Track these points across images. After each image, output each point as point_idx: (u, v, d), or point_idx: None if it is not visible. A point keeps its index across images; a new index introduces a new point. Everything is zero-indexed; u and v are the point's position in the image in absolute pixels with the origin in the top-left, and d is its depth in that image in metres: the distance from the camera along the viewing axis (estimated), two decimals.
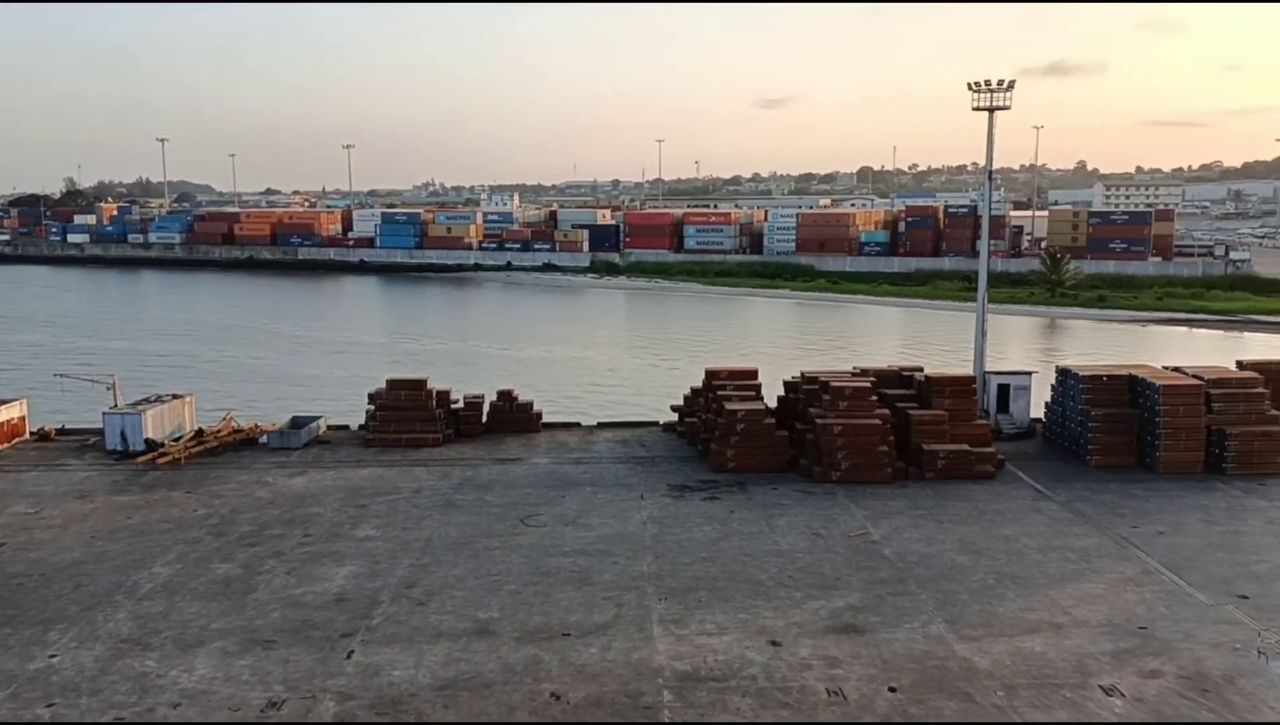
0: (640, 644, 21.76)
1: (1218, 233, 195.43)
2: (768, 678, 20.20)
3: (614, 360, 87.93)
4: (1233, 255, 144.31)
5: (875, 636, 22.05)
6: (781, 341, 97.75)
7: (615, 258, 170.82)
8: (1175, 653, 21.13)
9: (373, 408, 39.86)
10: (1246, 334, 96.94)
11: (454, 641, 21.90)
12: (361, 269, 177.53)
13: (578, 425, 42.57)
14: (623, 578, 25.56)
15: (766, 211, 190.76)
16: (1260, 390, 35.78)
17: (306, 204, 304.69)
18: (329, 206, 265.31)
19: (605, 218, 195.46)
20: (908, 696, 19.43)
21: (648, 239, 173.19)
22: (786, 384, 39.70)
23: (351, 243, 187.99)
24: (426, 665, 20.76)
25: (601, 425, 42.53)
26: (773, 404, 38.51)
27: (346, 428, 41.97)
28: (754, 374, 39.43)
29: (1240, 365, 39.06)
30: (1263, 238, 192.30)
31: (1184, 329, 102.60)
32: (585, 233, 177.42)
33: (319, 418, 41.24)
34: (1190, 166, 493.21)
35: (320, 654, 21.33)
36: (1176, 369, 38.02)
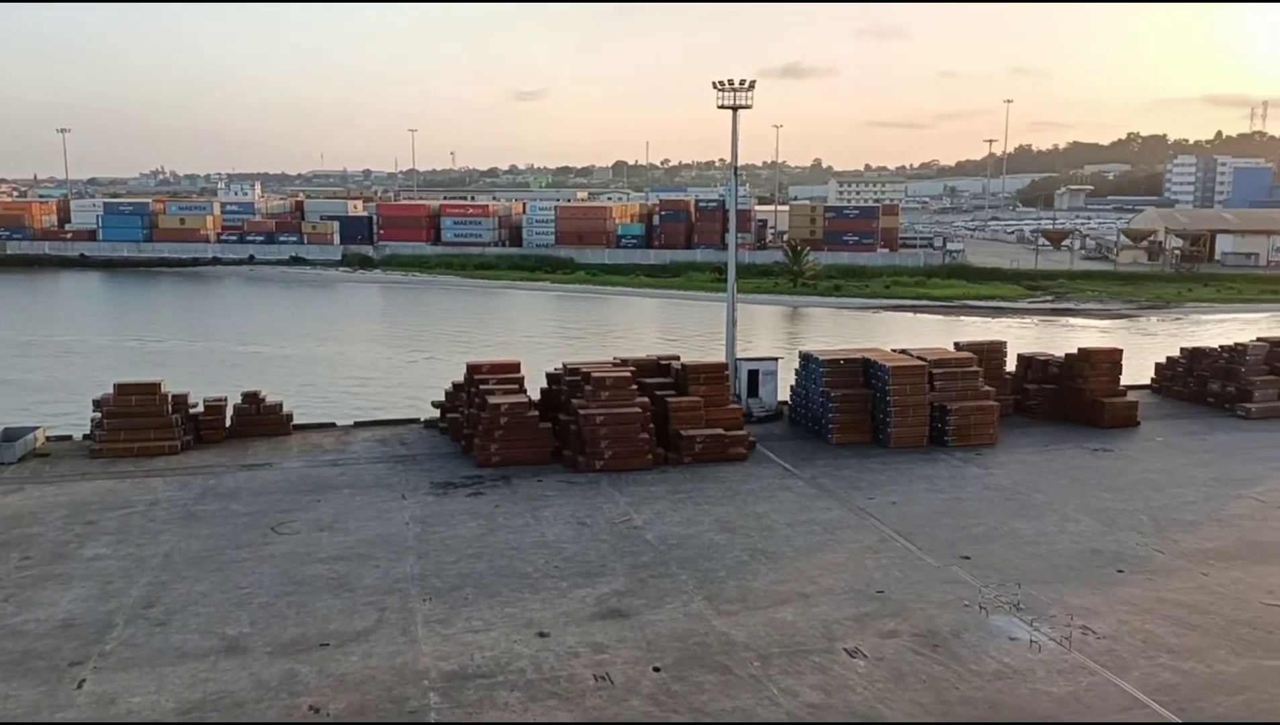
0: (404, 647, 21.19)
1: (936, 226, 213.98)
2: (536, 669, 20.22)
3: (371, 356, 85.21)
4: (949, 246, 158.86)
5: (640, 619, 22.57)
6: (544, 334, 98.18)
7: (369, 251, 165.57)
8: (909, 613, 22.95)
9: (99, 415, 36.47)
10: (962, 318, 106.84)
11: (200, 661, 20.45)
12: (82, 264, 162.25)
13: (333, 426, 40.85)
14: (385, 581, 24.80)
15: (525, 204, 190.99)
16: (974, 369, 39.45)
17: (15, 193, 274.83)
18: (42, 196, 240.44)
19: (357, 209, 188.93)
20: (671, 674, 20.02)
21: (403, 231, 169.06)
22: (549, 376, 39.83)
23: (69, 236, 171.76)
24: (170, 689, 19.27)
25: (359, 424, 41.04)
26: (536, 396, 38.53)
27: (69, 439, 38.23)
28: (516, 367, 39.30)
29: (957, 346, 42.89)
30: (974, 230, 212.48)
31: (909, 314, 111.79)
32: (336, 224, 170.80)
33: (35, 429, 37.30)
34: (912, 165, 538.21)
35: (46, 686, 19.33)
36: (903, 351, 41.22)
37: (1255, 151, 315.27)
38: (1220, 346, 45.76)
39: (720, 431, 36.10)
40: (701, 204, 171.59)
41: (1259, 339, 46.56)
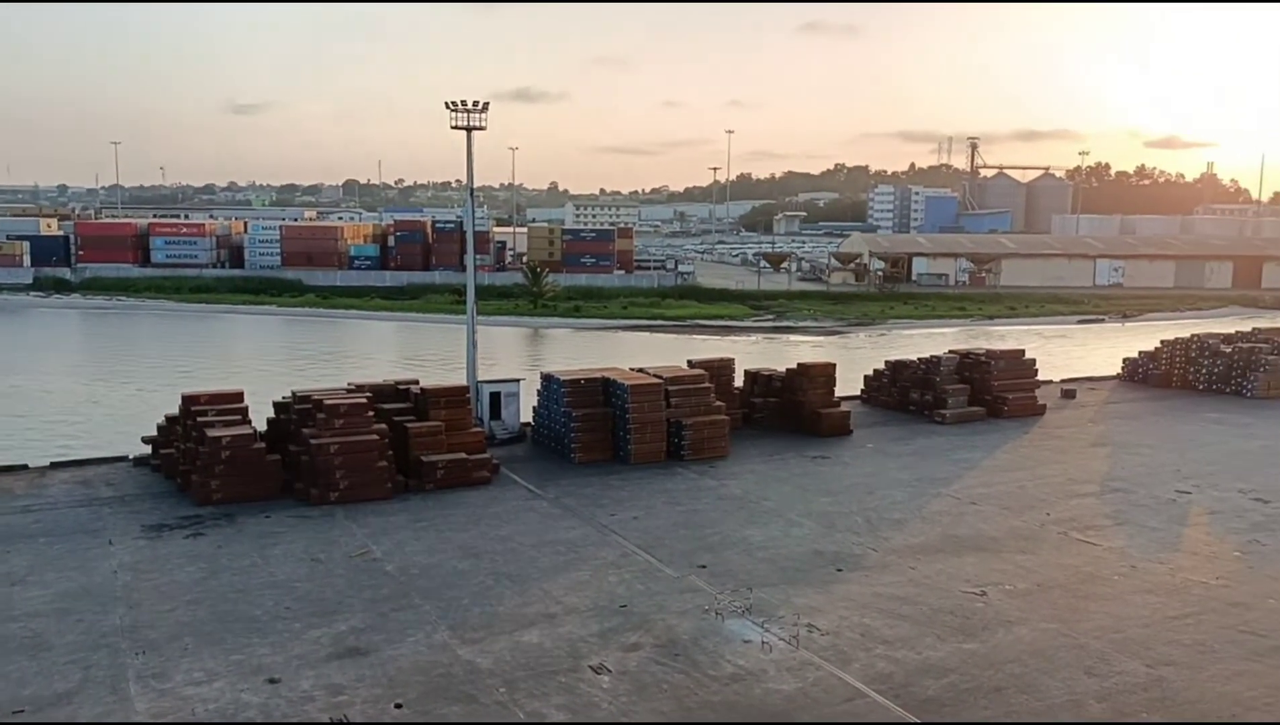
0: (114, 707, 19.24)
1: (668, 249, 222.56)
2: (266, 718, 18.95)
3: (70, 389, 77.32)
4: (681, 268, 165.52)
5: (380, 655, 21.73)
6: (270, 361, 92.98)
7: (66, 273, 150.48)
8: (651, 624, 23.52)
9: None
10: (695, 336, 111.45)
11: None
12: None
13: (24, 468, 36.64)
14: (89, 637, 22.44)
15: (247, 223, 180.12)
16: (706, 385, 41.20)
17: None
18: None
19: (51, 228, 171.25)
20: (414, 709, 19.39)
21: (107, 252, 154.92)
22: (277, 405, 37.70)
23: None
24: None
25: (56, 465, 36.99)
26: (262, 427, 36.34)
27: None
28: (239, 396, 36.90)
29: (690, 364, 44.65)
30: (703, 253, 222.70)
31: (646, 334, 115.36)
32: (26, 245, 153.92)
33: None
34: (644, 190, 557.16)
35: None
36: (641, 370, 42.41)
37: (943, 182, 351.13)
38: (918, 358, 50.37)
39: (463, 455, 35.56)
40: (439, 225, 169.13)
41: (950, 351, 51.72)
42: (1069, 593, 25.98)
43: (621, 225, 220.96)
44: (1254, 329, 62.70)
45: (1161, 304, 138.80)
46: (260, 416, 37.21)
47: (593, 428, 39.12)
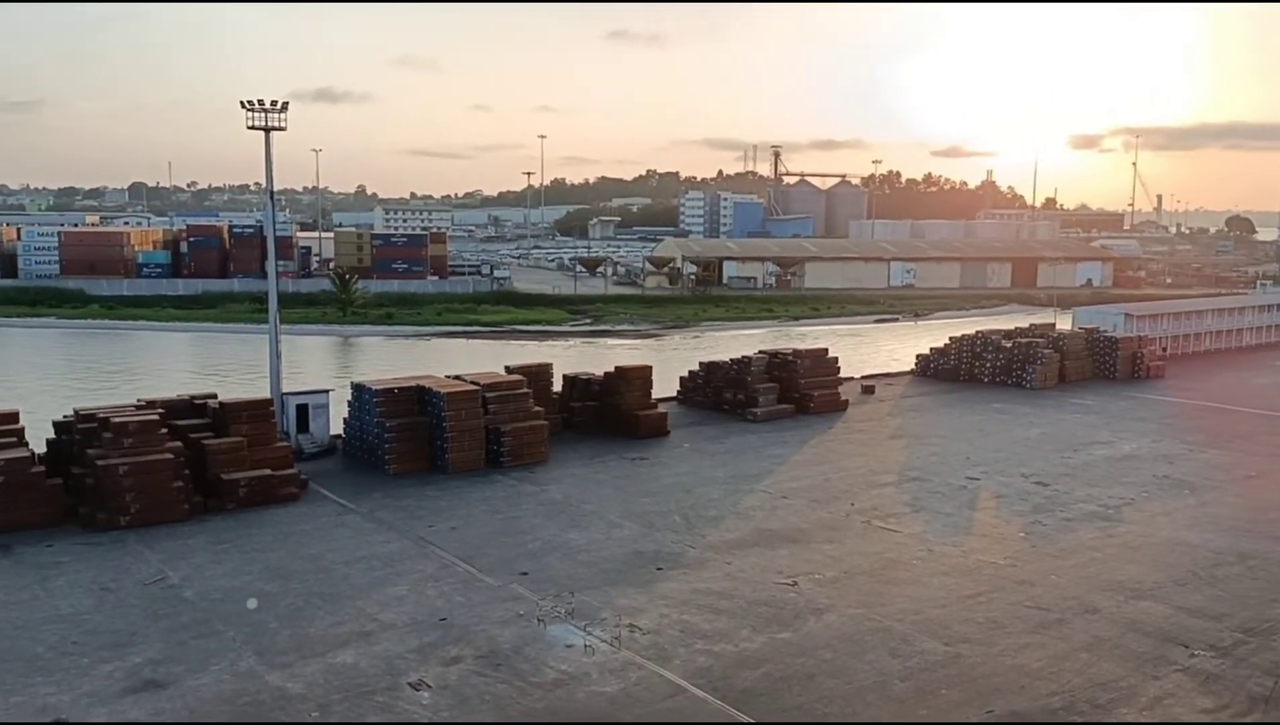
0: None
1: (483, 254, 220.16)
2: None
3: None
4: (496, 273, 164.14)
5: (180, 687, 20.40)
6: (50, 378, 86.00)
7: None
8: (472, 636, 23.11)
9: None
10: (512, 342, 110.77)
11: None
12: None
13: None
14: None
15: (20, 229, 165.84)
16: (525, 391, 40.95)
17: None
18: None
19: None
20: None
21: None
22: (57, 425, 34.85)
23: None
24: None
25: None
26: (41, 449, 33.48)
27: None
28: (14, 417, 33.91)
29: (508, 369, 44.27)
30: (519, 258, 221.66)
31: (463, 340, 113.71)
32: None
33: None
34: (457, 194, 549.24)
35: None
36: (457, 377, 41.68)
37: (749, 188, 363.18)
38: (730, 359, 51.84)
39: (268, 472, 33.91)
40: (237, 230, 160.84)
41: (760, 351, 53.49)
42: (873, 578, 27.31)
43: (434, 230, 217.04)
44: (1031, 325, 67.90)
45: (949, 303, 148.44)
46: (38, 437, 34.30)
47: (408, 437, 38.15)
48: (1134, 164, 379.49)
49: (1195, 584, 26.95)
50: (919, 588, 26.63)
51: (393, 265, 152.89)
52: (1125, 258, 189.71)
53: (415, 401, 39.10)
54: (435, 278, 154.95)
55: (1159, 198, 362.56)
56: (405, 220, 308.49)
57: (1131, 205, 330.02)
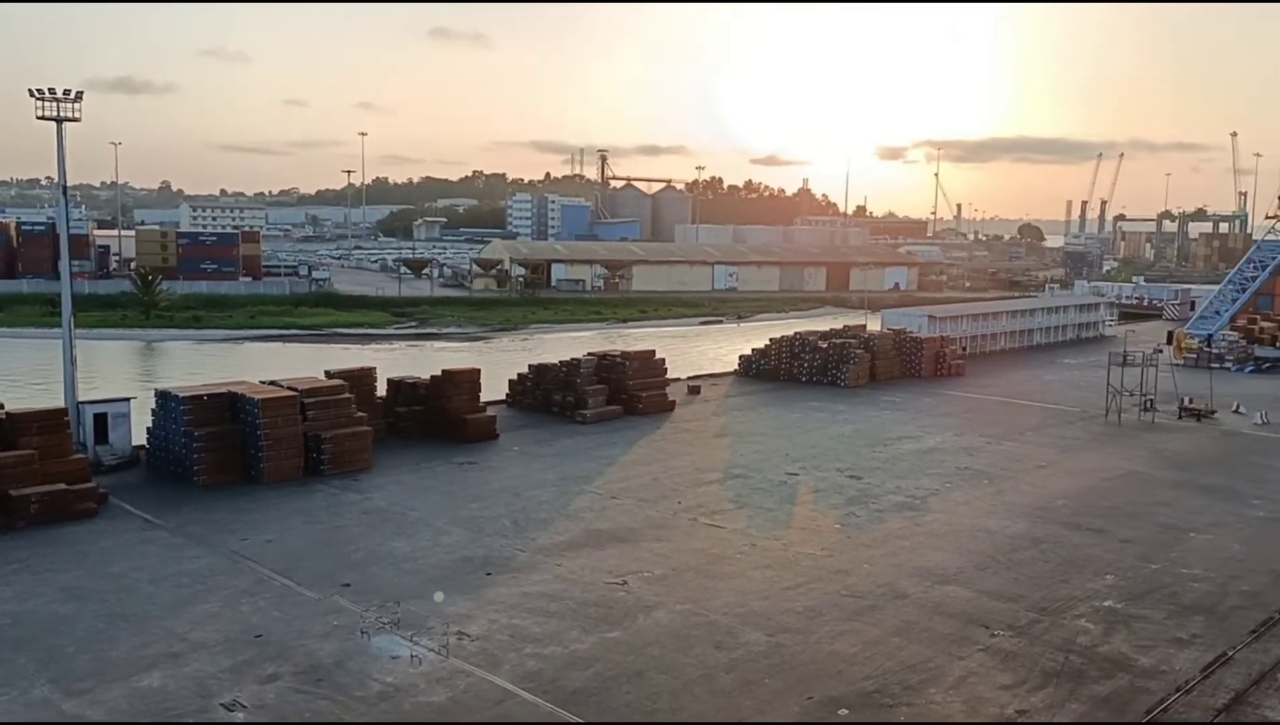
0: None
1: (300, 254, 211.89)
2: None
3: None
4: (315, 274, 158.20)
5: None
6: None
7: None
8: (291, 652, 22.19)
9: None
10: (333, 345, 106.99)
11: None
12: None
13: None
14: None
15: None
16: (347, 396, 39.68)
17: None
18: None
19: None
20: None
21: None
22: None
23: None
24: None
25: None
26: None
27: None
28: None
29: (328, 374, 42.77)
30: (339, 258, 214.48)
31: (279, 344, 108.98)
32: None
33: None
34: (271, 191, 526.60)
35: None
36: (273, 382, 39.97)
37: (576, 191, 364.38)
38: (560, 362, 51.88)
39: (62, 486, 31.53)
40: (25, 227, 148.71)
41: (589, 354, 53.77)
42: (700, 574, 27.90)
43: (247, 228, 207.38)
44: (845, 326, 71.12)
45: (770, 305, 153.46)
46: None
47: (219, 447, 36.28)
48: (936, 175, 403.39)
49: (994, 568, 28.86)
50: (743, 581, 27.38)
51: (201, 265, 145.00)
52: (929, 263, 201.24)
53: (227, 409, 37.23)
54: (248, 279, 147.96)
55: (959, 206, 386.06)
56: (215, 218, 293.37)
57: (934, 213, 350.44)
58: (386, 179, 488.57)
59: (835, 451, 43.23)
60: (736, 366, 65.99)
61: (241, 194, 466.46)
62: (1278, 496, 36.90)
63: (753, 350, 65.94)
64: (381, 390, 45.35)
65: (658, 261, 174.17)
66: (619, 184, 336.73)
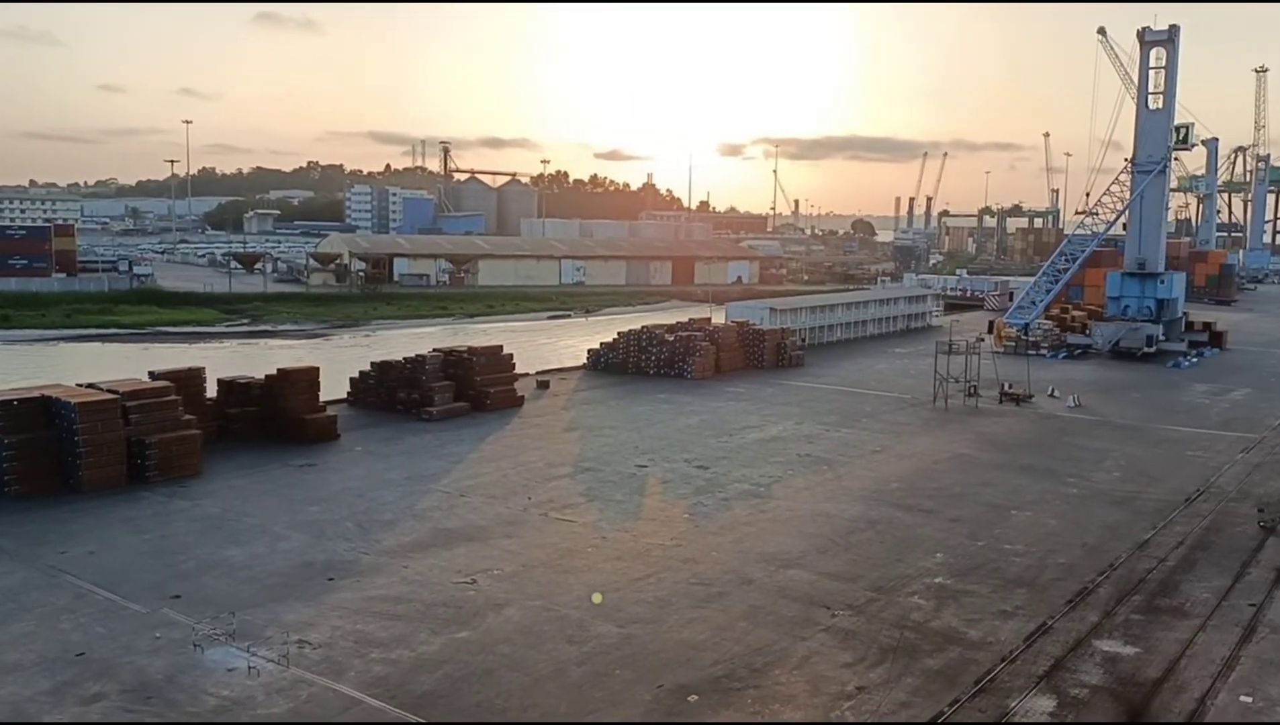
0: None
1: (120, 248, 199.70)
2: None
3: None
4: (137, 270, 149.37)
5: None
6: None
7: None
8: (117, 669, 20.90)
9: None
10: (158, 345, 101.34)
11: None
12: None
13: None
14: None
15: None
16: (173, 398, 37.63)
17: None
18: None
19: None
20: None
21: None
22: None
23: None
24: None
25: None
26: None
27: None
28: None
29: (153, 376, 40.47)
30: (163, 253, 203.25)
31: (98, 344, 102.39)
32: None
33: None
34: (87, 182, 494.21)
35: None
36: (91, 385, 37.53)
37: (419, 184, 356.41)
38: (404, 358, 50.71)
39: None
40: None
41: (435, 350, 52.76)
42: (551, 569, 27.81)
43: (60, 221, 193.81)
44: (690, 319, 72.29)
45: (617, 299, 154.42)
46: None
47: (31, 454, 33.80)
48: (774, 171, 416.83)
49: (834, 551, 29.92)
50: (594, 574, 27.46)
51: (9, 261, 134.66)
52: (769, 257, 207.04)
53: (40, 413, 34.73)
54: (62, 275, 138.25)
55: (796, 202, 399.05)
56: (24, 210, 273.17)
57: (773, 209, 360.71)
58: (214, 169, 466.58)
59: (683, 442, 43.88)
60: (585, 361, 66.13)
61: (54, 185, 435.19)
62: (1089, 475, 39.69)
63: (601, 344, 66.21)
64: (212, 391, 43.26)
65: (504, 255, 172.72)
66: (463, 177, 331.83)
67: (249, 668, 21.10)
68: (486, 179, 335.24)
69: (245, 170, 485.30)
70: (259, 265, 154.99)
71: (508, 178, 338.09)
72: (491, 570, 27.50)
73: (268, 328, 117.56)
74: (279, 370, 44.59)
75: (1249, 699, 20.84)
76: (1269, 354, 78.81)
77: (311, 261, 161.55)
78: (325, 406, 45.12)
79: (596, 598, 25.51)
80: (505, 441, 43.89)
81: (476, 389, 49.89)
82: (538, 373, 61.07)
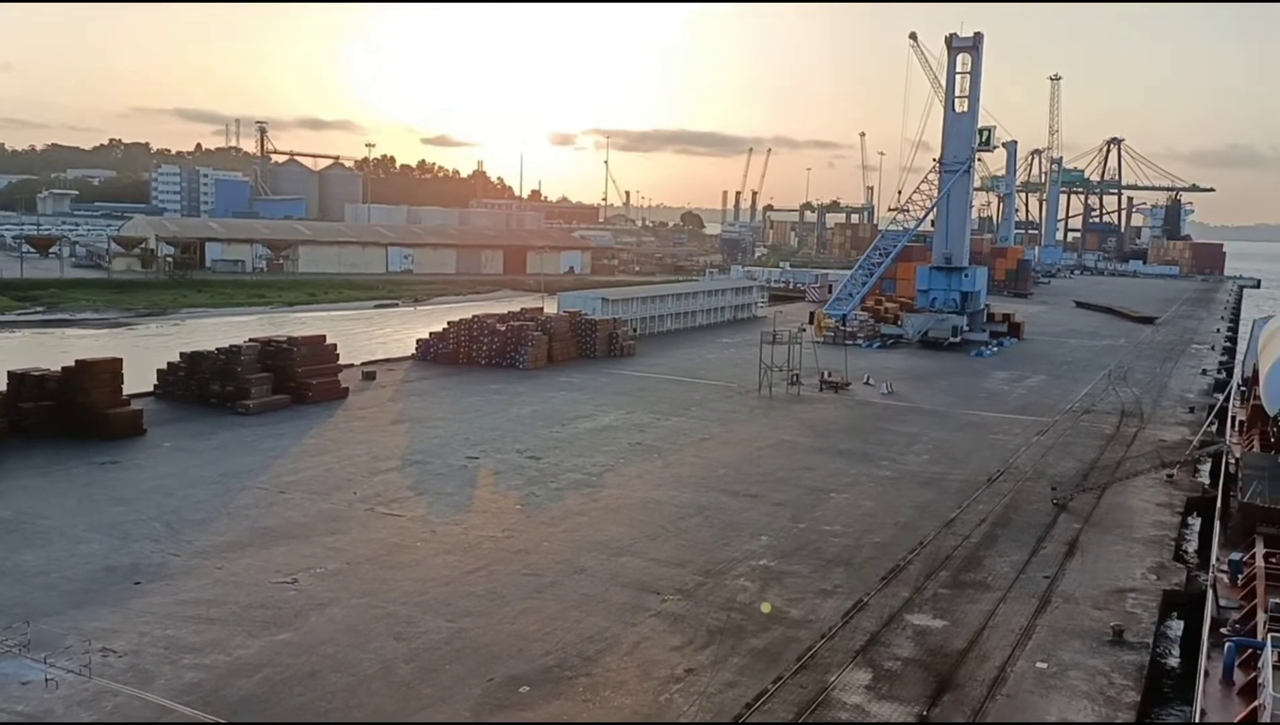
0: None
1: None
2: None
3: None
4: None
5: None
6: None
7: None
8: None
9: None
10: None
11: None
12: None
13: None
14: None
15: None
16: None
17: None
18: None
19: None
20: None
21: None
22: None
23: None
24: None
25: None
26: None
27: None
28: None
29: None
30: None
31: None
32: None
33: None
34: None
35: None
36: None
37: (233, 165, 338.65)
38: (217, 349, 48.20)
39: None
40: None
41: (251, 340, 50.36)
42: (377, 565, 27.08)
43: None
44: (522, 309, 71.82)
45: (447, 288, 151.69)
46: None
47: None
48: (605, 162, 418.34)
49: (664, 536, 30.41)
50: (423, 569, 26.92)
51: None
52: (601, 247, 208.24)
53: None
54: None
55: (627, 194, 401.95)
56: None
57: (605, 200, 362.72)
58: (2, 145, 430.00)
59: (515, 433, 43.58)
60: (414, 351, 64.73)
61: None
62: (901, 458, 41.85)
63: (430, 334, 64.95)
64: (1, 385, 39.92)
65: (327, 242, 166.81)
66: (281, 159, 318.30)
67: (46, 680, 19.60)
68: (308, 162, 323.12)
69: (39, 147, 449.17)
70: (54, 249, 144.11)
71: (330, 161, 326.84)
72: (314, 569, 26.54)
73: (65, 316, 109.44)
74: (78, 362, 41.60)
75: (1044, 665, 22.48)
76: (1061, 343, 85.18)
77: (114, 246, 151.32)
78: (130, 400, 42.45)
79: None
80: (329, 435, 42.43)
81: (298, 381, 48.01)
82: (364, 364, 59.36)
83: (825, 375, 58.32)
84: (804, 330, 69.09)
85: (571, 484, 35.85)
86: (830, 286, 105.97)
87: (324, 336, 52.62)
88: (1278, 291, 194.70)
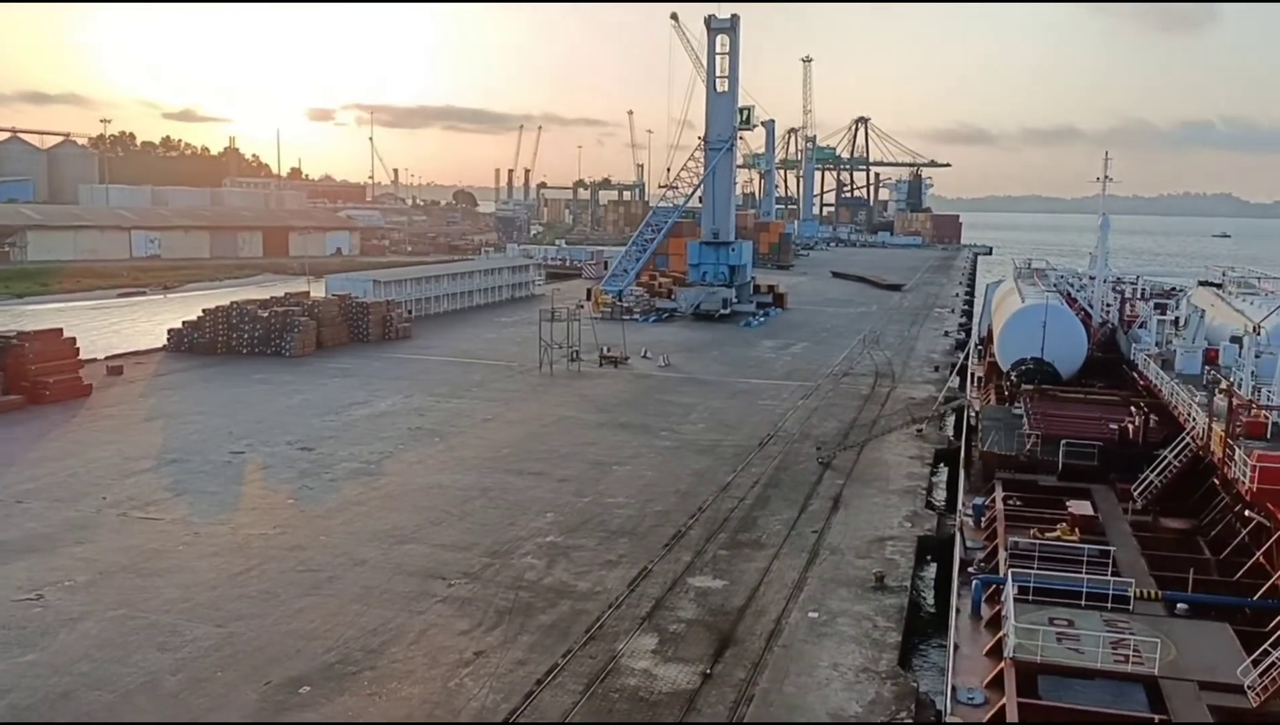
0: None
1: None
2: None
3: None
4: None
5: None
6: None
7: None
8: None
9: None
10: None
11: None
12: None
13: None
14: None
15: None
16: None
17: None
18: None
19: None
20: None
21: None
22: None
23: None
24: None
25: None
26: None
27: None
28: None
29: None
30: None
31: None
32: None
33: None
34: None
35: None
36: None
37: None
38: None
39: None
40: None
41: None
42: (134, 573, 25.14)
43: None
44: (286, 293, 68.35)
45: (201, 274, 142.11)
46: None
47: None
48: (370, 139, 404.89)
49: (449, 521, 29.91)
50: (186, 574, 25.23)
51: None
52: (370, 228, 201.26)
53: None
54: None
55: (395, 172, 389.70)
56: None
57: (372, 178, 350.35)
58: None
59: (284, 424, 41.53)
60: (166, 342, 60.35)
61: None
62: (679, 427, 43.06)
63: (184, 323, 60.72)
64: None
65: (59, 226, 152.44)
66: (2, 136, 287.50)
67: None
68: (33, 139, 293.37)
69: None
70: None
71: (60, 138, 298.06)
72: (62, 582, 24.32)
73: None
74: None
75: (815, 614, 23.83)
76: (820, 311, 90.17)
77: None
78: None
79: None
80: (71, 436, 38.91)
81: (31, 379, 43.75)
82: (108, 358, 54.78)
83: (604, 350, 59.06)
84: (582, 307, 69.64)
85: (348, 474, 34.60)
86: (606, 263, 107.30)
87: (61, 330, 48.25)
88: (1007, 257, 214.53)
